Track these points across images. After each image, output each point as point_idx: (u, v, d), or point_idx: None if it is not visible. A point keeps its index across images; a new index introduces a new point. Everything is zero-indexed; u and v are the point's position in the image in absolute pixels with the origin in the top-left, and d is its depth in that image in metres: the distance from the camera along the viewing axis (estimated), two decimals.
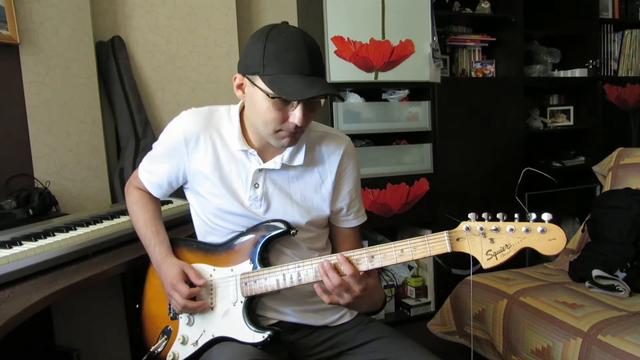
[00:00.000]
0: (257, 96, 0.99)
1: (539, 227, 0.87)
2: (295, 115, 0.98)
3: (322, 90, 0.95)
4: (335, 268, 0.97)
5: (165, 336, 1.15)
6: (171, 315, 1.16)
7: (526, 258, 2.72)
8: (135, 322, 1.24)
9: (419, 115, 2.49)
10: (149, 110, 2.17)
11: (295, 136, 1.04)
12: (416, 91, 2.52)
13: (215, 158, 1.10)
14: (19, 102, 1.67)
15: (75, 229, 1.30)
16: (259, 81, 0.97)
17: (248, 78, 1.00)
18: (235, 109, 1.12)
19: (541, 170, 2.64)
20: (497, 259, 0.90)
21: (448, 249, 0.93)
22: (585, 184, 2.89)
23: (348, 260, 0.97)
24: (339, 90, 2.38)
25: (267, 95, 0.96)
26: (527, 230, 0.88)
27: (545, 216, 0.87)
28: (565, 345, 1.52)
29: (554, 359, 1.54)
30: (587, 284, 1.81)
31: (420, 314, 2.53)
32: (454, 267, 2.51)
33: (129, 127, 2.08)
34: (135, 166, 1.78)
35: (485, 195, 2.57)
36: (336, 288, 0.97)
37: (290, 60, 0.94)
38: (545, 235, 0.87)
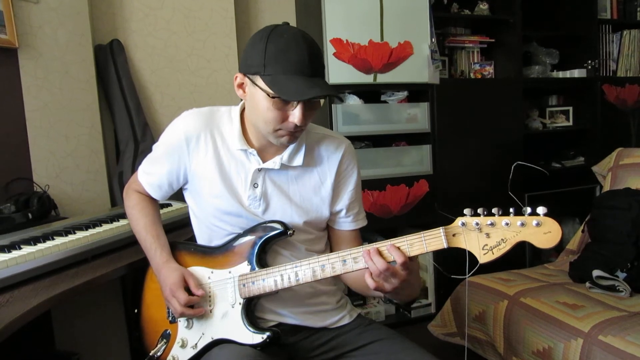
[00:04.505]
0: (258, 95, 1.00)
1: (534, 220, 0.87)
2: (295, 114, 0.99)
3: (322, 92, 0.96)
4: (380, 253, 0.96)
5: (165, 340, 1.15)
6: (170, 318, 1.16)
7: (526, 259, 2.72)
8: (134, 326, 1.23)
9: (418, 117, 2.49)
10: (148, 114, 2.17)
11: (295, 135, 1.04)
12: (415, 93, 2.52)
13: (216, 157, 1.10)
14: (18, 106, 1.67)
15: (75, 233, 1.30)
16: (259, 81, 0.98)
17: (249, 77, 1.01)
18: (236, 109, 1.13)
19: (537, 173, 2.63)
20: (493, 253, 0.90)
21: (444, 245, 0.92)
22: (584, 185, 2.88)
23: (396, 247, 0.95)
24: (339, 92, 2.38)
25: (268, 94, 0.97)
26: (522, 224, 0.88)
27: (540, 210, 0.87)
28: (566, 346, 1.52)
29: None
30: (587, 284, 1.80)
31: (421, 316, 2.52)
32: (453, 273, 2.50)
33: (128, 130, 2.08)
34: (134, 169, 1.78)
35: (485, 196, 2.56)
36: (382, 273, 0.94)
37: (291, 60, 0.95)
38: (540, 228, 0.87)
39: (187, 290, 1.08)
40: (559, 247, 2.37)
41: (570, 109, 3.06)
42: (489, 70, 2.77)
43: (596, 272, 1.79)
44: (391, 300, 1.08)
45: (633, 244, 1.84)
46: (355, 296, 2.51)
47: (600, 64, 3.01)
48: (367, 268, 0.96)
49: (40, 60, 1.73)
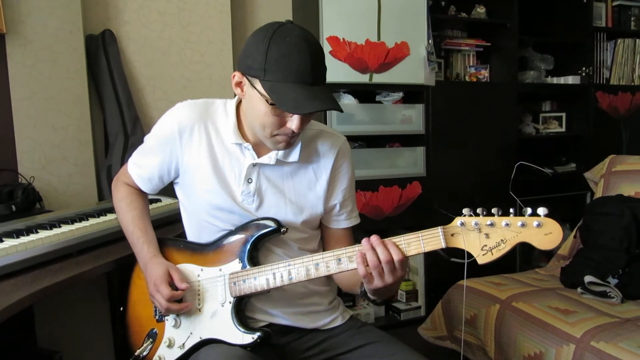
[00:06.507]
0: (256, 99, 0.97)
1: (534, 221, 0.85)
2: (293, 122, 0.97)
3: (321, 105, 0.94)
4: (383, 244, 0.92)
5: (151, 339, 1.11)
6: (157, 317, 1.12)
7: (517, 264, 2.72)
8: (120, 325, 1.20)
9: (412, 118, 2.48)
10: (139, 107, 2.13)
11: (291, 140, 1.03)
12: (410, 94, 2.51)
13: (210, 150, 1.07)
14: (4, 95, 1.63)
15: (60, 227, 1.26)
16: (259, 85, 0.95)
17: (248, 79, 0.98)
18: (232, 102, 1.10)
19: (532, 177, 2.64)
20: (492, 254, 0.88)
21: (442, 245, 0.91)
22: (576, 191, 2.90)
23: (395, 244, 0.92)
24: (334, 91, 2.36)
25: (266, 100, 0.95)
26: (522, 225, 0.86)
27: (541, 210, 0.85)
28: (558, 352, 1.51)
29: None
30: (579, 290, 1.80)
31: (411, 318, 2.51)
32: (445, 273, 2.49)
33: (118, 123, 2.04)
34: (123, 163, 1.74)
35: (478, 200, 2.53)
36: (378, 267, 0.91)
37: (292, 68, 0.92)
38: (541, 229, 0.85)
39: (173, 285, 1.05)
40: (550, 252, 2.38)
41: (564, 115, 3.07)
42: (484, 73, 2.77)
43: (588, 278, 1.79)
44: (367, 298, 1.05)
45: (625, 251, 1.84)
46: (344, 297, 2.48)
47: (594, 72, 3.02)
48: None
49: (29, 48, 1.68)
